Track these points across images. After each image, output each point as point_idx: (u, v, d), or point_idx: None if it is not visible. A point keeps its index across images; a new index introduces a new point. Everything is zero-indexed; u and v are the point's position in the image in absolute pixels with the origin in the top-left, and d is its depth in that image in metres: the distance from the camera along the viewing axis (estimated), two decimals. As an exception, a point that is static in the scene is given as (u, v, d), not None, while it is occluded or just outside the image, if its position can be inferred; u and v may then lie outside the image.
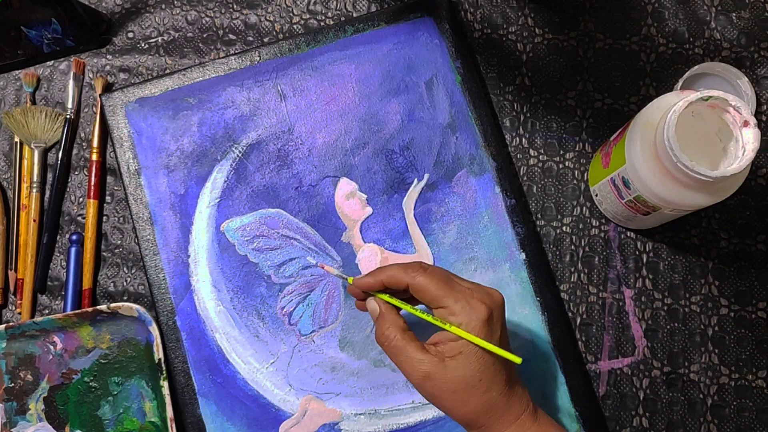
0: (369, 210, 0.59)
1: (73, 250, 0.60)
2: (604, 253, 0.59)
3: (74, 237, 0.60)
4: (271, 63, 0.61)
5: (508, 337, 0.48)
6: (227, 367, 0.56)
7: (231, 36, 0.64)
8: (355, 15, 0.64)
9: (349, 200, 0.59)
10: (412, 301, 0.49)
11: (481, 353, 0.44)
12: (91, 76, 0.64)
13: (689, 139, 0.48)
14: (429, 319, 0.46)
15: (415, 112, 0.60)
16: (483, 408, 0.45)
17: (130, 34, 0.65)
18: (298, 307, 0.57)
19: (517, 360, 0.44)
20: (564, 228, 0.60)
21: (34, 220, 0.61)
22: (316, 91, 0.61)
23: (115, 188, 0.62)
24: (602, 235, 0.60)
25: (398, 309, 0.48)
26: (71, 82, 0.63)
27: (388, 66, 0.61)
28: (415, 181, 0.59)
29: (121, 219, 0.61)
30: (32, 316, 0.60)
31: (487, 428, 0.45)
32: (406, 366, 0.45)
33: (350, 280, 0.50)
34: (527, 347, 0.56)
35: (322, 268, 0.55)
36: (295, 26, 0.64)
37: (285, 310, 0.57)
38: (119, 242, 0.61)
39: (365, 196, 0.59)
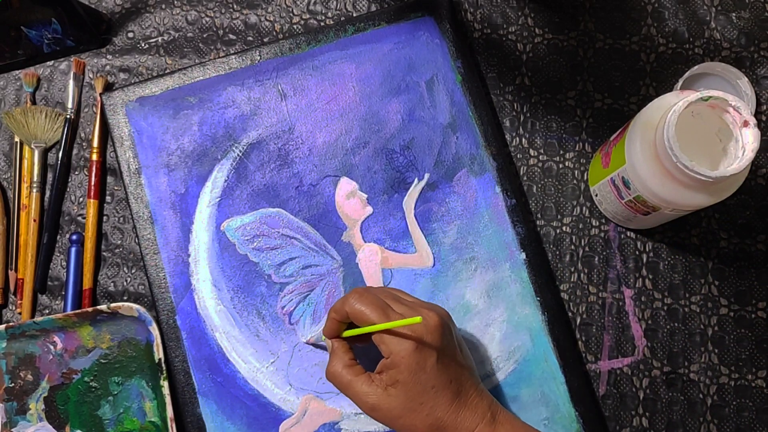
0: (369, 209, 0.59)
1: (73, 250, 0.60)
2: (604, 253, 0.59)
3: (74, 237, 0.60)
4: (272, 62, 0.61)
5: (458, 350, 0.49)
6: (227, 366, 0.56)
7: (231, 36, 0.64)
8: (355, 15, 0.64)
9: (350, 200, 0.59)
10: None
11: (417, 379, 0.46)
12: (91, 76, 0.64)
13: (689, 139, 0.48)
14: (374, 328, 0.47)
15: (416, 112, 0.60)
16: (430, 429, 0.46)
17: (130, 34, 0.65)
18: (298, 306, 0.57)
19: (417, 320, 0.45)
20: (564, 228, 0.60)
21: (34, 220, 0.61)
22: (317, 90, 0.61)
23: (115, 188, 0.62)
24: (602, 235, 0.60)
25: (352, 343, 0.51)
26: (71, 82, 0.63)
27: (389, 65, 0.61)
28: (416, 180, 0.59)
29: (122, 219, 0.61)
30: (32, 316, 0.60)
31: None
32: (356, 398, 0.48)
33: (323, 338, 0.52)
34: (527, 347, 0.56)
35: (307, 342, 0.57)
36: (295, 26, 0.64)
37: (285, 309, 0.57)
38: (119, 242, 0.61)
39: (366, 196, 0.59)
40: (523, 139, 0.62)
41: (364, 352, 0.52)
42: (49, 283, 0.61)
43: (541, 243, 0.60)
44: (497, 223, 0.58)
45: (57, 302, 0.60)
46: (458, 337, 0.51)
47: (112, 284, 0.60)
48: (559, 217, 0.60)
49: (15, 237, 0.61)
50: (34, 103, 0.63)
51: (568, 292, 0.59)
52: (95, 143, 0.61)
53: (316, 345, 0.56)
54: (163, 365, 0.55)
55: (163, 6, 0.65)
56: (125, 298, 0.60)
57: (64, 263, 0.61)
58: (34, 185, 0.61)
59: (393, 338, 0.46)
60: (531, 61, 0.63)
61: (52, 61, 0.64)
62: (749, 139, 0.46)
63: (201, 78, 0.61)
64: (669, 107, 0.47)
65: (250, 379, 0.56)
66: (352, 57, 0.61)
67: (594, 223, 0.60)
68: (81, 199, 0.62)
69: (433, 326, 0.47)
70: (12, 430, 0.56)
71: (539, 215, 0.60)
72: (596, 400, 0.57)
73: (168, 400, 0.55)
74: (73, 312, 0.56)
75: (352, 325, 0.50)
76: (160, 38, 0.64)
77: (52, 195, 0.61)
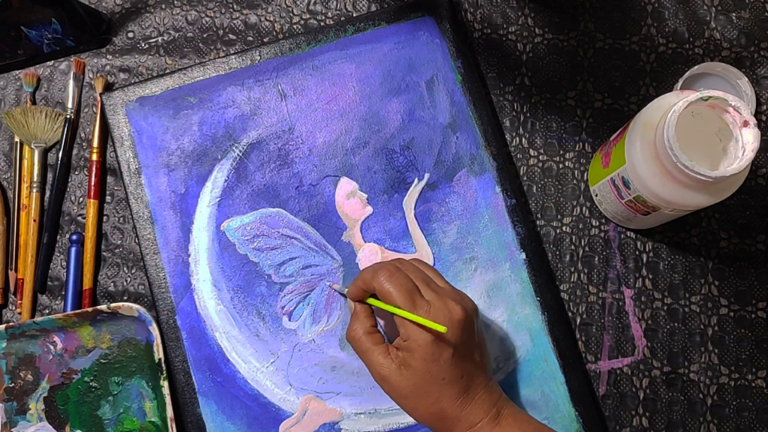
0: (369, 209, 0.59)
1: (73, 250, 0.60)
2: (604, 253, 0.59)
3: (74, 237, 0.60)
4: (272, 62, 0.61)
5: (476, 344, 0.49)
6: (227, 366, 0.56)
7: (231, 36, 0.64)
8: (355, 15, 0.64)
9: (350, 200, 0.59)
10: None
11: (427, 369, 0.46)
12: (91, 76, 0.64)
13: (689, 139, 0.48)
14: (398, 312, 0.47)
15: (416, 112, 0.60)
16: (433, 417, 0.47)
17: (130, 34, 0.65)
18: (298, 306, 0.57)
19: (442, 329, 0.45)
20: (564, 228, 0.60)
21: (34, 220, 0.61)
22: (317, 90, 0.61)
23: (115, 188, 0.62)
24: (602, 235, 0.60)
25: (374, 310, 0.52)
26: (71, 82, 0.63)
27: (389, 65, 0.61)
28: (416, 180, 0.59)
29: (122, 219, 0.61)
30: (32, 316, 0.60)
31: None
32: (369, 366, 0.49)
33: (346, 290, 0.53)
34: (527, 347, 0.56)
35: (332, 287, 0.57)
36: (295, 26, 0.64)
37: (285, 309, 0.57)
38: (119, 242, 0.61)
39: (366, 196, 0.59)
40: (523, 139, 0.62)
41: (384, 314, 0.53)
42: (49, 283, 0.61)
43: (541, 243, 0.60)
44: (497, 223, 0.58)
45: (57, 302, 0.60)
46: (480, 329, 0.51)
47: (112, 284, 0.60)
48: (559, 217, 0.60)
49: (15, 237, 0.61)
50: (34, 103, 0.63)
51: (568, 292, 0.59)
52: (95, 143, 0.61)
53: (339, 291, 0.57)
54: (163, 365, 0.55)
55: (163, 6, 0.65)
56: (125, 298, 0.60)
57: (64, 263, 0.61)
58: (34, 185, 0.61)
59: (414, 325, 0.47)
60: (531, 61, 0.63)
61: (52, 61, 0.64)
62: (749, 139, 0.46)
63: (201, 78, 0.61)
64: (669, 107, 0.47)
65: (250, 379, 0.56)
66: (352, 57, 0.61)
67: (594, 223, 0.60)
68: (81, 199, 0.62)
69: (456, 320, 0.47)
70: (12, 430, 0.56)
71: (539, 215, 0.60)
72: (596, 400, 0.57)
73: (168, 400, 0.55)
74: (73, 312, 0.56)
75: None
76: (160, 38, 0.64)
77: (52, 195, 0.61)
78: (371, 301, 0.51)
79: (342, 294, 0.57)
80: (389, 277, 0.48)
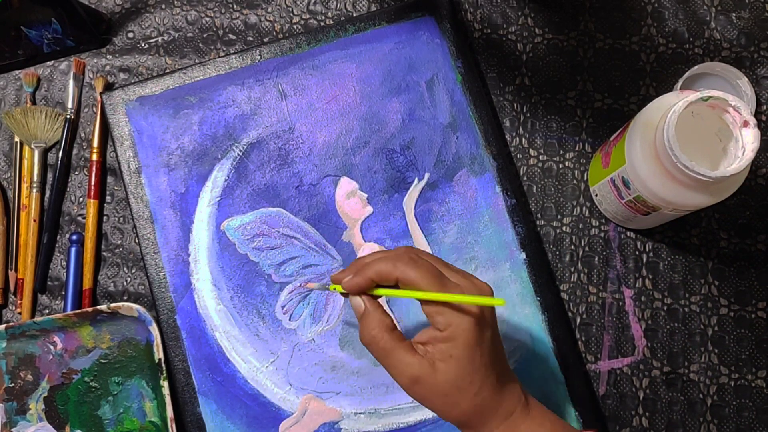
0: (369, 209, 0.59)
1: (73, 250, 0.60)
2: (604, 253, 0.59)
3: (74, 237, 0.60)
4: (272, 62, 0.61)
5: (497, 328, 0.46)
6: (227, 365, 0.56)
7: (231, 36, 0.64)
8: (355, 15, 0.64)
9: (350, 199, 0.59)
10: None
11: (472, 356, 0.42)
12: (91, 76, 0.64)
13: (689, 139, 0.48)
14: (441, 297, 0.42)
15: (416, 112, 0.60)
16: (475, 410, 0.43)
17: (130, 34, 0.65)
18: (298, 306, 0.57)
19: (501, 302, 0.41)
20: (564, 228, 0.60)
21: (34, 220, 0.61)
22: (317, 90, 0.61)
23: (115, 188, 0.62)
24: (602, 235, 0.60)
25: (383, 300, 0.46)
26: (71, 82, 0.63)
27: (389, 65, 0.61)
28: (416, 180, 0.59)
29: (122, 219, 0.61)
30: (32, 316, 0.60)
31: (479, 428, 0.44)
32: (394, 369, 0.43)
33: (331, 288, 0.47)
34: (527, 347, 0.56)
35: (306, 286, 0.55)
36: (295, 26, 0.64)
37: (285, 309, 0.57)
38: (119, 242, 0.61)
39: (366, 195, 0.59)
40: (523, 139, 0.62)
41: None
42: (49, 283, 0.61)
43: (541, 243, 0.60)
44: (497, 223, 0.58)
45: (57, 302, 0.60)
46: None
47: (112, 284, 0.60)
48: (559, 217, 0.60)
49: (15, 237, 0.61)
50: (34, 103, 0.63)
51: (568, 292, 0.59)
52: (95, 143, 0.61)
53: (320, 287, 0.51)
54: (163, 365, 0.55)
55: (163, 6, 0.65)
56: (125, 298, 0.60)
57: (64, 263, 0.61)
58: (34, 185, 0.61)
59: (452, 309, 0.42)
60: (531, 61, 0.63)
61: (52, 61, 0.64)
62: (749, 139, 0.46)
63: (201, 77, 0.61)
64: (669, 107, 0.47)
65: (250, 378, 0.56)
66: (353, 57, 0.61)
67: (594, 223, 0.60)
68: (81, 199, 0.62)
69: (489, 295, 0.43)
70: (12, 430, 0.56)
71: (539, 215, 0.60)
72: (596, 400, 0.57)
73: (168, 399, 0.55)
74: (73, 312, 0.56)
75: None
76: (160, 38, 0.64)
77: (52, 195, 0.61)
78: (384, 291, 0.44)
79: (323, 288, 0.51)
80: (413, 264, 0.42)
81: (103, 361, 0.57)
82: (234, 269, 0.58)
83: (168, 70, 0.63)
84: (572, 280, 0.59)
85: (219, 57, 0.62)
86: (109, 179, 0.62)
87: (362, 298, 0.44)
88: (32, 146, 0.62)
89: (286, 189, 0.59)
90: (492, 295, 0.44)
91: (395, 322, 0.45)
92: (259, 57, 0.61)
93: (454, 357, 0.42)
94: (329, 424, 0.56)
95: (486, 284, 0.44)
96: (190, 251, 0.58)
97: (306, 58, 0.61)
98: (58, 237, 0.61)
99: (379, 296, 0.45)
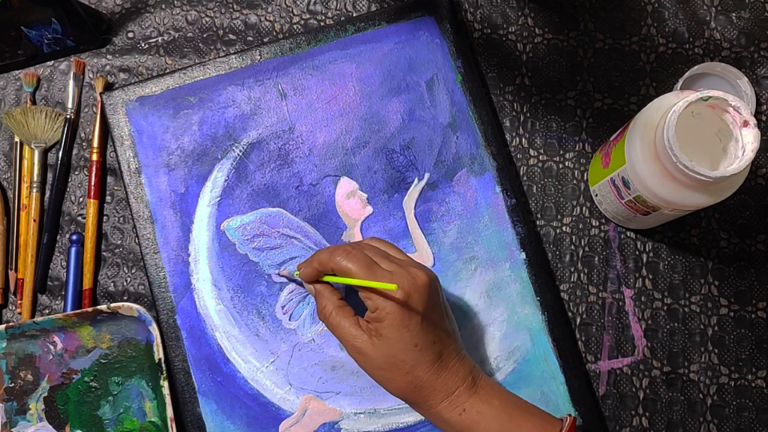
0: (369, 209, 0.59)
1: (73, 250, 0.60)
2: (604, 253, 0.59)
3: (74, 237, 0.60)
4: (272, 62, 0.61)
5: (443, 313, 0.49)
6: (227, 365, 0.56)
7: (231, 36, 0.64)
8: (355, 15, 0.64)
9: (350, 199, 0.59)
10: None
11: (400, 337, 0.46)
12: (91, 76, 0.64)
13: (689, 139, 0.48)
14: (354, 282, 0.47)
15: (416, 112, 0.60)
16: (409, 386, 0.47)
17: (130, 34, 0.65)
18: (298, 306, 0.57)
19: (392, 287, 0.45)
20: (564, 228, 0.60)
21: (35, 220, 0.61)
22: (317, 90, 0.61)
23: (115, 188, 0.62)
24: (602, 235, 0.60)
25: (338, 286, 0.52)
26: (71, 82, 0.63)
27: (389, 65, 0.61)
28: (416, 180, 0.59)
29: (122, 219, 0.61)
30: (32, 316, 0.60)
31: (420, 404, 0.48)
32: (342, 340, 0.49)
33: (296, 274, 0.53)
34: (527, 347, 0.56)
35: (280, 274, 0.57)
36: (295, 26, 0.64)
37: (285, 309, 0.57)
38: (119, 242, 0.61)
39: (366, 195, 0.59)
40: (523, 139, 0.62)
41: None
42: (49, 283, 0.61)
43: (541, 243, 0.60)
44: (497, 223, 0.58)
45: (57, 302, 0.60)
46: (444, 301, 0.51)
47: (112, 284, 0.60)
48: (559, 217, 0.60)
49: (15, 237, 0.61)
50: (34, 103, 0.63)
51: (568, 292, 0.59)
52: (95, 143, 0.61)
53: (288, 278, 0.57)
54: (163, 365, 0.55)
55: (163, 6, 0.65)
56: (125, 298, 0.60)
57: (64, 263, 0.61)
58: (34, 185, 0.61)
59: (379, 295, 0.47)
60: (531, 61, 0.63)
61: (52, 61, 0.64)
62: (749, 139, 0.46)
63: (201, 77, 0.61)
64: (669, 107, 0.47)
65: (250, 378, 0.56)
66: (353, 57, 0.61)
67: (594, 223, 0.60)
68: (81, 199, 0.62)
69: (422, 285, 0.47)
70: (12, 430, 0.56)
71: (539, 215, 0.60)
72: (596, 400, 0.57)
73: (168, 400, 0.55)
74: (73, 312, 0.56)
75: None
76: (160, 38, 0.64)
77: (52, 195, 0.61)
78: (328, 278, 0.50)
79: (292, 280, 0.57)
80: (347, 254, 0.48)
81: (103, 361, 0.57)
82: (234, 269, 0.58)
83: (168, 70, 0.63)
84: (572, 280, 0.59)
85: (219, 57, 0.62)
86: (109, 179, 0.62)
87: (313, 284, 0.51)
88: (32, 146, 0.62)
89: (286, 189, 0.59)
90: (427, 284, 0.47)
91: (342, 299, 0.50)
92: (259, 57, 0.61)
93: (384, 336, 0.47)
94: (329, 424, 0.56)
95: (422, 274, 0.48)
96: (190, 251, 0.58)
97: (306, 58, 0.61)
98: (58, 237, 0.61)
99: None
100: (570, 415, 0.49)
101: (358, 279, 0.47)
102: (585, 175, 0.61)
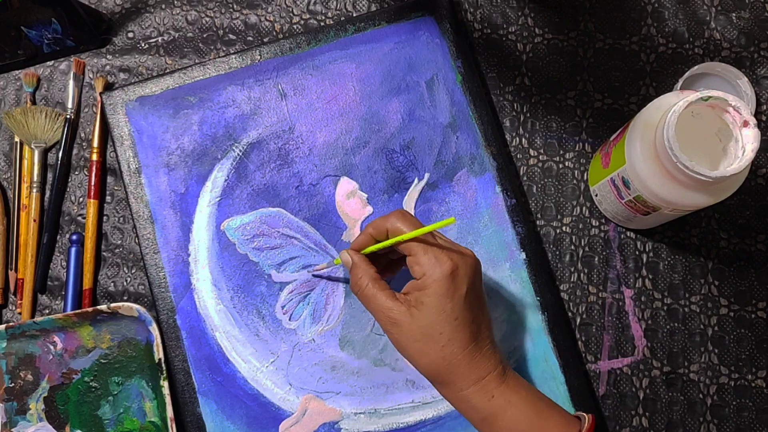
0: (369, 209, 0.59)
1: (73, 250, 0.60)
2: (604, 253, 0.59)
3: (74, 237, 0.60)
4: (272, 62, 0.61)
5: (482, 298, 0.49)
6: (227, 365, 0.56)
7: (231, 36, 0.64)
8: (355, 15, 0.64)
9: (350, 199, 0.59)
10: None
11: (442, 306, 0.45)
12: (91, 76, 0.64)
13: (689, 139, 0.48)
14: (410, 234, 0.47)
15: (416, 112, 0.60)
16: (443, 362, 0.46)
17: (130, 34, 0.65)
18: (298, 306, 0.57)
19: (451, 220, 0.45)
20: (564, 228, 0.60)
21: (34, 220, 0.61)
22: (317, 90, 0.61)
23: (115, 188, 0.62)
24: (602, 235, 0.60)
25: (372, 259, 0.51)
26: (71, 82, 0.63)
27: (389, 65, 0.61)
28: (416, 180, 0.59)
29: (121, 219, 0.61)
30: (32, 316, 0.60)
31: (450, 385, 0.47)
32: (377, 312, 0.48)
33: (336, 261, 0.53)
34: (527, 347, 0.56)
35: (314, 271, 0.57)
36: (295, 26, 0.64)
37: (285, 309, 0.57)
38: (119, 242, 0.61)
39: (366, 195, 0.59)
40: (523, 139, 0.62)
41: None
42: (49, 283, 0.61)
43: (541, 243, 0.60)
44: (497, 223, 0.58)
45: (57, 302, 0.60)
46: (483, 288, 0.50)
47: (112, 284, 0.60)
48: (559, 217, 0.60)
49: (15, 237, 0.61)
50: (34, 103, 0.63)
51: (568, 292, 0.59)
52: (95, 143, 0.61)
53: (328, 264, 0.56)
54: (163, 365, 0.55)
55: (163, 6, 0.65)
56: (125, 298, 0.60)
57: (64, 263, 0.61)
58: (34, 185, 0.61)
59: (429, 260, 0.46)
60: (531, 61, 0.63)
61: (52, 61, 0.64)
62: (749, 139, 0.46)
63: (201, 77, 0.61)
64: (669, 107, 0.47)
65: (250, 378, 0.56)
66: (353, 57, 0.61)
67: (594, 223, 0.60)
68: (81, 199, 0.62)
69: (470, 262, 0.47)
70: (12, 430, 0.56)
71: (539, 215, 0.60)
72: (596, 400, 0.57)
73: (168, 400, 0.55)
74: (73, 312, 0.56)
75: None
76: (160, 38, 0.64)
77: (52, 195, 0.61)
78: (371, 248, 0.50)
79: (321, 277, 0.57)
80: (402, 217, 0.48)
81: (103, 361, 0.57)
82: (234, 269, 0.58)
83: (168, 70, 0.63)
84: (572, 280, 0.59)
85: (219, 57, 0.62)
86: (109, 179, 0.62)
87: (349, 253, 0.50)
88: (32, 146, 0.62)
89: (286, 189, 0.59)
90: (475, 262, 0.48)
91: (378, 273, 0.49)
92: (259, 57, 0.61)
93: (426, 304, 0.46)
94: (329, 424, 0.56)
95: (471, 252, 0.48)
96: (190, 251, 0.58)
97: (306, 58, 0.61)
98: (58, 237, 0.61)
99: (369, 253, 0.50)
100: (590, 414, 0.48)
101: (408, 241, 0.47)
102: (585, 175, 0.61)
